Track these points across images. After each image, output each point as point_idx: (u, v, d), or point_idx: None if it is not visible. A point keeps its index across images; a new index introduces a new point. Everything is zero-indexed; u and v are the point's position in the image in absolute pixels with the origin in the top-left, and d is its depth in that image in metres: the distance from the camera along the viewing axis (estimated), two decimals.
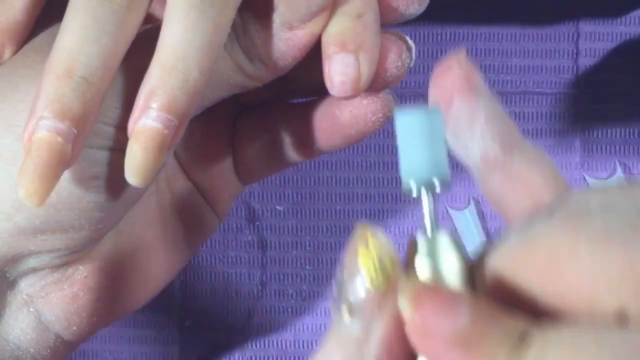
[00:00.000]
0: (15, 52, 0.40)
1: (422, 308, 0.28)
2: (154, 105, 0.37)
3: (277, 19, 0.40)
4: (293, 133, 0.44)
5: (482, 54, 0.57)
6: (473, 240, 0.56)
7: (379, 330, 0.29)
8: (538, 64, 0.57)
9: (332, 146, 0.44)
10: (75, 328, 0.43)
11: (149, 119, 0.37)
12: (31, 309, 0.42)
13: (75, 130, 0.37)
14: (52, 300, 0.42)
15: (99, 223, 0.41)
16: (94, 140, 0.38)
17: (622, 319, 0.27)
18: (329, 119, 0.43)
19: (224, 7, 0.38)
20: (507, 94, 0.56)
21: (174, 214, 0.46)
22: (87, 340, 0.44)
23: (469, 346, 0.27)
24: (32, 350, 0.43)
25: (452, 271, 0.30)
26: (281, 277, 0.56)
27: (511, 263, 0.29)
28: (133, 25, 0.38)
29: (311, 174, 0.57)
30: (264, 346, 0.56)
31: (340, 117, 0.42)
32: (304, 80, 0.43)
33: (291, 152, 0.45)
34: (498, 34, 0.57)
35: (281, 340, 0.56)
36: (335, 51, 0.39)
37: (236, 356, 0.56)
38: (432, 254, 0.30)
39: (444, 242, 0.30)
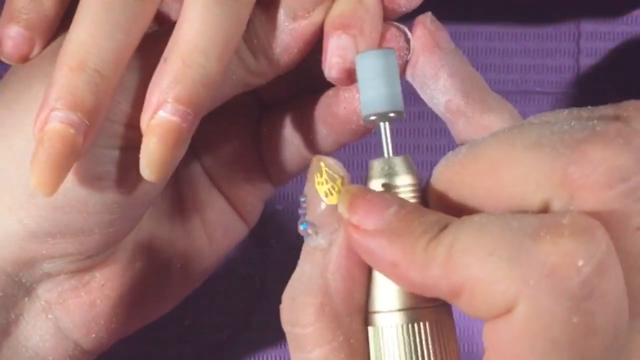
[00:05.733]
0: (44, 47, 0.41)
1: (355, 209, 0.33)
2: (171, 98, 0.37)
3: (282, 9, 0.40)
4: (314, 126, 0.44)
5: (483, 53, 0.57)
6: None
7: (339, 238, 0.34)
8: (539, 63, 0.57)
9: (343, 140, 0.44)
10: (94, 336, 0.43)
11: (167, 112, 0.37)
12: (49, 316, 0.42)
13: (87, 122, 0.37)
14: (70, 307, 0.42)
15: (109, 227, 0.41)
16: (99, 138, 0.38)
17: (545, 212, 0.32)
18: (330, 114, 0.43)
19: (246, 3, 0.38)
20: (508, 93, 0.56)
21: (200, 225, 0.46)
22: (107, 348, 0.45)
23: (395, 236, 0.32)
24: (50, 358, 0.43)
25: (405, 188, 0.34)
26: (281, 277, 0.56)
27: (456, 172, 0.33)
28: (146, 19, 0.38)
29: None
30: (263, 346, 0.56)
31: (337, 112, 0.42)
32: (319, 73, 0.43)
33: (317, 145, 0.45)
34: (499, 33, 0.57)
35: (280, 340, 0.56)
36: (334, 32, 0.39)
37: (235, 356, 0.56)
38: (389, 176, 0.35)
39: (399, 164, 0.35)
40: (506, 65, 0.57)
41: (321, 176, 0.35)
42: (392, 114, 0.36)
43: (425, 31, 0.39)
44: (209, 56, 0.37)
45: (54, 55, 0.39)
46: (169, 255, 0.45)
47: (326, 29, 0.40)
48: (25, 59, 0.41)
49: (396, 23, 0.41)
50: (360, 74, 0.36)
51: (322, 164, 0.35)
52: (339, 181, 0.35)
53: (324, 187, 0.35)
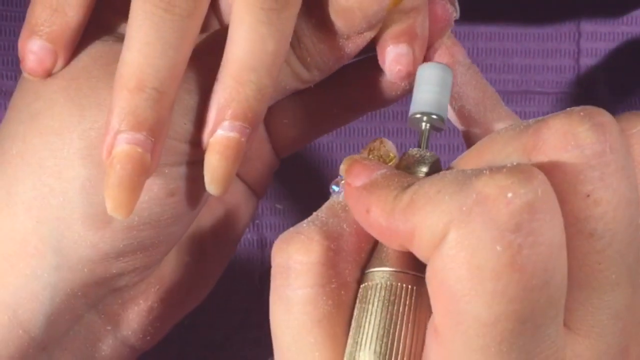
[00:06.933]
0: (68, 60, 0.41)
1: (351, 170, 0.36)
2: (229, 115, 0.39)
3: (334, 30, 0.41)
4: (328, 98, 0.46)
5: (484, 54, 0.57)
6: None
7: None
8: (539, 63, 0.57)
9: (370, 106, 0.46)
10: (149, 338, 0.44)
11: (225, 130, 0.39)
12: (108, 327, 0.43)
13: (152, 139, 0.38)
14: (129, 316, 0.43)
15: (174, 237, 0.42)
16: (167, 157, 0.39)
17: None
18: (368, 78, 0.45)
19: (289, 18, 0.39)
20: (508, 93, 0.56)
21: (216, 205, 0.47)
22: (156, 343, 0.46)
23: (374, 188, 0.35)
24: None
25: (421, 175, 0.38)
26: None
27: (457, 163, 0.36)
28: (194, 32, 0.39)
29: (310, 172, 0.57)
30: (263, 345, 0.56)
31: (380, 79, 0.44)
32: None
33: (327, 117, 0.47)
34: (499, 33, 0.57)
35: None
36: (391, 44, 0.42)
37: (235, 355, 0.56)
38: (416, 163, 0.38)
39: (427, 157, 0.38)
40: (507, 66, 0.57)
41: (377, 151, 0.39)
42: (435, 116, 0.39)
43: (442, 44, 0.43)
44: (259, 72, 0.39)
45: (91, 79, 0.40)
46: (201, 239, 0.46)
47: (382, 40, 0.42)
48: (48, 74, 0.41)
49: None
50: (418, 79, 0.40)
51: (383, 142, 0.39)
52: (389, 160, 0.39)
53: (374, 158, 0.39)
